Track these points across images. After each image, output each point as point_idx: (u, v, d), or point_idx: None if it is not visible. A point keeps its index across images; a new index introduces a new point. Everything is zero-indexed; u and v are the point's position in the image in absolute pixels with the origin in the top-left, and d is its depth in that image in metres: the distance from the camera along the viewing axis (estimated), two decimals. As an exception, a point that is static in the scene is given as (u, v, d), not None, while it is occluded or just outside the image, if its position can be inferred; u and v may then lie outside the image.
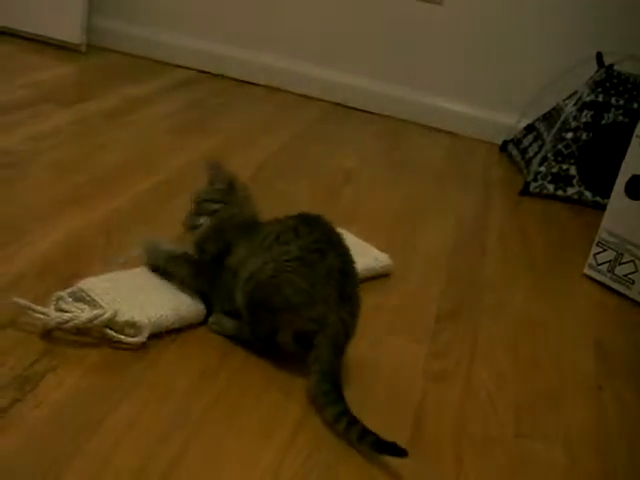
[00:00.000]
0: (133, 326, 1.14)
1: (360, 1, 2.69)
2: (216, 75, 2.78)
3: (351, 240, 1.41)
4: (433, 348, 1.32)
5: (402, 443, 1.02)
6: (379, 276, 1.50)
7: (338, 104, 2.73)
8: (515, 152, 2.48)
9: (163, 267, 1.27)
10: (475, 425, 1.15)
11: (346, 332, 1.13)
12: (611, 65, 2.21)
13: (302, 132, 2.37)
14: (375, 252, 1.54)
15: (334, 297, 1.12)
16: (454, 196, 2.09)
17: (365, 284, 1.47)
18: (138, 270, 1.29)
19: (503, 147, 2.58)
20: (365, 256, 1.47)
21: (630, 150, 1.67)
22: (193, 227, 1.29)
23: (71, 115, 2.10)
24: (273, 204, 1.76)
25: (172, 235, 1.49)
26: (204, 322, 1.22)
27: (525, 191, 2.21)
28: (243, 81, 2.78)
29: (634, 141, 1.66)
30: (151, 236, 1.36)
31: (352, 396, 1.13)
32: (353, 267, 1.19)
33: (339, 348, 1.11)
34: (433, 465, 1.05)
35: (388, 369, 1.24)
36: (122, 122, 2.13)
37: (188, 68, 2.79)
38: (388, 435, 1.04)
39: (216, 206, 1.28)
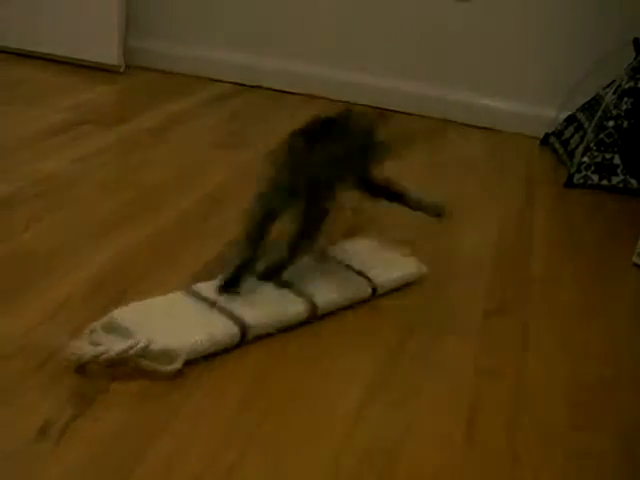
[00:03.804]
0: (168, 354, 1.11)
1: (393, 4, 2.69)
2: (253, 87, 2.81)
3: (379, 250, 1.52)
4: (483, 344, 1.32)
5: (458, 439, 1.02)
6: (411, 283, 1.48)
7: (377, 107, 2.73)
8: (557, 144, 2.46)
9: None
10: (529, 420, 1.14)
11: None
12: (649, 51, 2.19)
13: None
14: (405, 260, 1.51)
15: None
16: (497, 193, 2.09)
17: (408, 286, 1.48)
18: (171, 295, 1.27)
19: (544, 140, 2.57)
20: (396, 264, 1.49)
21: (673, 135, 1.66)
22: None
23: (114, 135, 2.14)
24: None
25: (216, 249, 1.52)
26: (238, 346, 1.20)
27: (569, 183, 2.19)
28: (280, 91, 2.80)
29: (676, 126, 1.65)
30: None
31: (404, 396, 1.14)
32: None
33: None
34: (489, 460, 1.05)
35: (439, 367, 1.24)
36: (164, 139, 2.16)
37: (225, 82, 2.82)
38: (443, 431, 1.04)
39: None
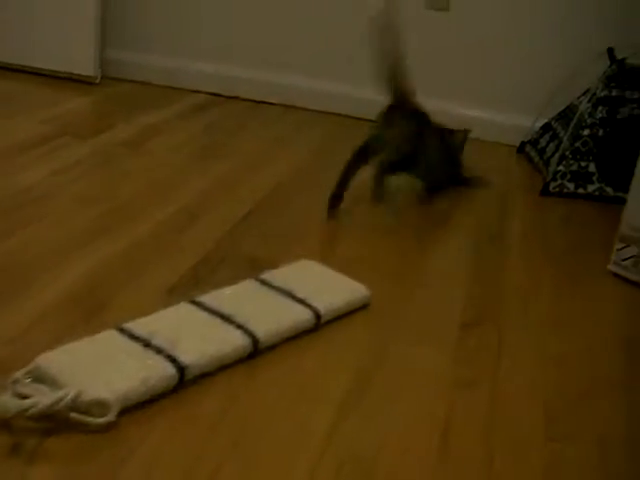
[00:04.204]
0: (100, 405, 1.03)
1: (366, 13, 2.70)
2: (230, 97, 2.81)
3: (325, 274, 1.48)
4: (459, 356, 1.32)
5: (433, 451, 1.02)
6: (358, 309, 1.43)
7: (354, 117, 2.74)
8: (533, 153, 2.48)
9: None
10: (505, 430, 1.15)
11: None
12: (623, 59, 2.20)
13: (319, 148, 2.38)
14: (352, 283, 1.45)
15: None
16: (474, 201, 2.09)
17: (386, 295, 1.48)
18: (101, 336, 1.19)
19: (520, 149, 2.58)
20: (341, 290, 1.43)
21: (646, 144, 1.67)
22: None
23: (90, 147, 2.13)
24: (293, 218, 1.79)
25: (191, 261, 1.51)
26: (176, 389, 1.13)
27: (545, 191, 2.20)
28: (258, 101, 2.80)
29: (649, 134, 1.66)
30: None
31: (379, 407, 1.14)
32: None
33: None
34: (464, 471, 1.05)
35: (414, 380, 1.24)
36: (141, 151, 2.15)
37: (203, 92, 2.82)
38: (419, 443, 1.04)
39: None
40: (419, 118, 1.97)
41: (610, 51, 2.25)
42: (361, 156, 1.86)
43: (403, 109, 1.92)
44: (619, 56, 2.21)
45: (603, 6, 2.52)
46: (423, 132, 1.94)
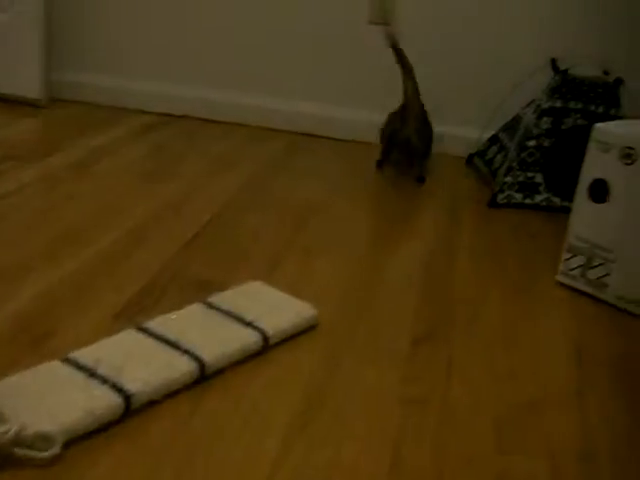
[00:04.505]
0: (44, 438, 1.01)
1: (310, 30, 2.70)
2: (179, 117, 2.80)
3: (272, 295, 1.48)
4: (409, 373, 1.32)
5: (384, 472, 1.02)
6: (306, 330, 1.41)
7: (302, 133, 2.74)
8: (481, 164, 2.50)
9: None
10: (456, 446, 1.15)
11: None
12: (566, 70, 2.23)
13: (266, 165, 2.38)
14: (299, 304, 1.45)
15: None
16: (423, 215, 2.10)
17: (334, 313, 1.48)
18: (45, 367, 1.17)
19: (469, 160, 2.60)
20: (288, 311, 1.41)
21: (588, 154, 1.69)
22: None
23: (36, 171, 2.10)
24: (240, 239, 1.78)
25: (138, 285, 1.50)
26: (123, 418, 1.11)
27: (493, 203, 2.22)
28: (206, 120, 2.79)
29: (591, 145, 1.68)
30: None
31: (329, 429, 1.14)
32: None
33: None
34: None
35: (364, 399, 1.24)
36: (87, 173, 2.13)
37: (151, 112, 2.80)
38: (368, 464, 1.04)
39: None
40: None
41: (553, 62, 2.27)
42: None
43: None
44: (562, 67, 2.24)
45: (545, 18, 2.55)
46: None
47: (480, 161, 2.52)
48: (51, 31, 2.78)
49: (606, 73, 2.28)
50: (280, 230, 1.87)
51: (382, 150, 2.47)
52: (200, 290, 1.50)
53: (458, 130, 2.62)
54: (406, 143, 2.38)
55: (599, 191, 1.68)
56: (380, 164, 2.49)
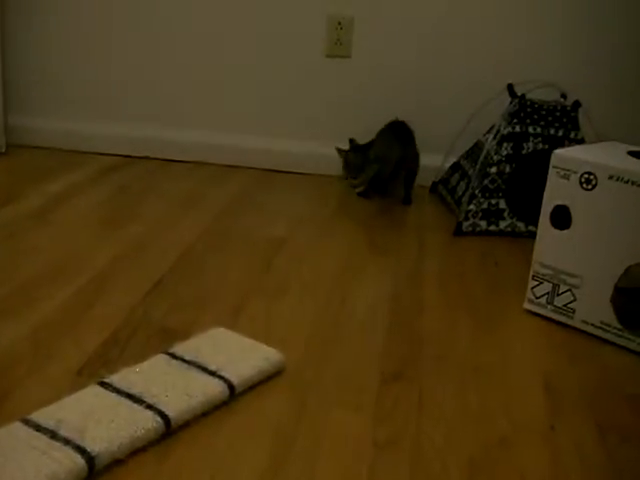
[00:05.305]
0: None
1: (269, 64, 2.70)
2: (140, 158, 2.77)
3: (237, 342, 1.45)
4: (379, 413, 1.30)
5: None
6: (272, 375, 1.39)
7: (264, 169, 2.73)
8: (444, 192, 2.50)
9: None
10: (429, 490, 1.13)
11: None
12: (523, 95, 2.24)
13: (229, 204, 2.36)
14: (264, 350, 1.42)
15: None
16: (387, 246, 2.09)
17: (301, 356, 1.46)
18: (3, 430, 1.13)
19: (433, 188, 2.60)
20: (254, 358, 1.39)
21: (549, 181, 1.69)
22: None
23: (-6, 221, 2.07)
24: (204, 282, 1.76)
25: (101, 338, 1.47)
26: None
27: (458, 231, 2.21)
28: (168, 160, 2.77)
29: (551, 171, 1.68)
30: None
31: (299, 475, 1.11)
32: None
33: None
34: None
35: (334, 443, 1.21)
36: (47, 221, 2.10)
37: (111, 155, 2.78)
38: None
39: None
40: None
41: (510, 87, 2.28)
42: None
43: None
44: (519, 92, 2.25)
45: (501, 43, 2.57)
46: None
47: (444, 189, 2.52)
48: (6, 76, 2.76)
49: (563, 96, 2.30)
50: (245, 271, 1.85)
51: (380, 176, 2.51)
52: (164, 339, 1.47)
53: (421, 158, 2.62)
54: (415, 166, 2.53)
55: (561, 217, 1.68)
56: (368, 192, 2.54)
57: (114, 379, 1.28)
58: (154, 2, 2.71)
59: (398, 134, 2.51)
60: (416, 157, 2.54)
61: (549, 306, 1.71)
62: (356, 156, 2.47)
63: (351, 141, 2.54)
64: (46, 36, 2.78)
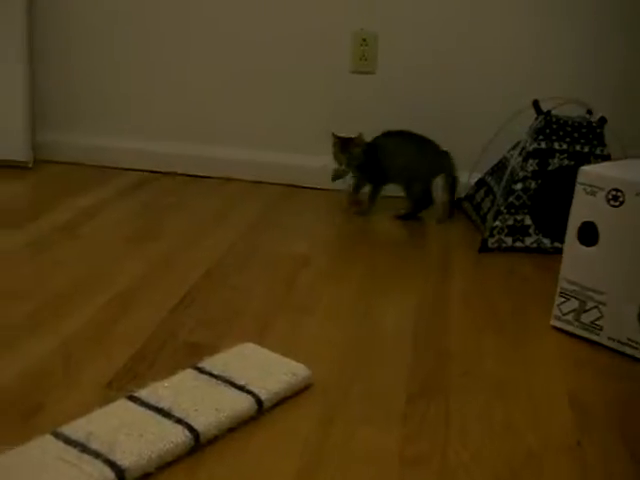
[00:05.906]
0: None
1: (294, 80, 2.72)
2: (167, 173, 2.80)
3: (264, 357, 1.46)
4: (406, 431, 1.30)
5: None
6: (300, 391, 1.39)
7: (288, 185, 2.75)
8: (470, 209, 2.50)
9: None
10: (457, 507, 1.13)
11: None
12: (549, 111, 2.24)
13: (254, 220, 2.37)
14: (292, 365, 1.43)
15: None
16: (413, 265, 2.09)
17: (328, 372, 1.46)
18: (34, 444, 1.15)
19: (458, 205, 2.60)
20: (282, 373, 1.39)
21: (576, 197, 1.68)
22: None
23: (23, 235, 2.10)
24: (231, 297, 1.77)
25: (128, 353, 1.48)
26: None
27: (484, 248, 2.21)
28: (194, 176, 2.79)
29: (578, 188, 1.67)
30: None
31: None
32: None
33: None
34: None
35: (361, 460, 1.22)
36: (75, 235, 2.12)
37: (138, 170, 2.81)
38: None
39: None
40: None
41: (536, 103, 2.28)
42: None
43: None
44: (545, 108, 2.25)
45: (527, 59, 2.57)
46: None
47: (469, 205, 2.52)
48: (35, 93, 2.79)
49: (589, 112, 2.30)
50: (270, 288, 1.86)
51: (423, 198, 2.51)
52: (191, 354, 1.48)
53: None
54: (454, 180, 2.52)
55: (588, 234, 1.67)
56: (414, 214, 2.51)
57: (143, 393, 1.29)
58: (182, 19, 2.74)
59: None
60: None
61: (576, 323, 1.71)
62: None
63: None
64: (73, 53, 2.82)
